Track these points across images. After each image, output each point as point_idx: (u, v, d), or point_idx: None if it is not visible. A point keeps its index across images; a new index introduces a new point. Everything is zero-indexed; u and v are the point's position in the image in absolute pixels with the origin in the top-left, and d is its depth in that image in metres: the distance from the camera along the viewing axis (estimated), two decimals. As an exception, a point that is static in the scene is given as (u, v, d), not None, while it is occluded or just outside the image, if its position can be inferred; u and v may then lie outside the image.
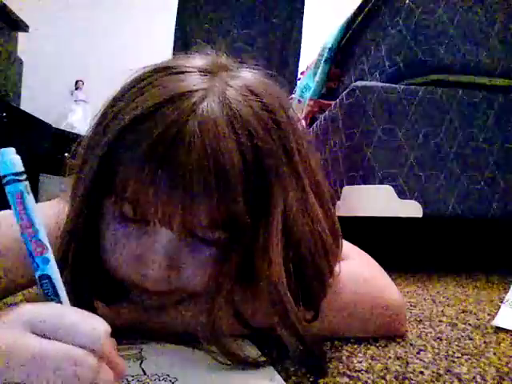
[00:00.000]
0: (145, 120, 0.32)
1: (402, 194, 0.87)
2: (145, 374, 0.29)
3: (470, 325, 0.49)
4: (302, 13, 2.17)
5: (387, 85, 0.90)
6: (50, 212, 0.37)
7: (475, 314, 0.56)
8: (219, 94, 0.33)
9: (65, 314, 0.23)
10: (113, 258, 0.35)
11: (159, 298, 0.36)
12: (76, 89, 2.77)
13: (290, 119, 0.37)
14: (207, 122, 0.31)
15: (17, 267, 0.39)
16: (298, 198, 0.34)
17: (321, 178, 0.39)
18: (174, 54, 0.38)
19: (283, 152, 0.34)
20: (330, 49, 1.28)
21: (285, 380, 0.30)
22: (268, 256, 0.32)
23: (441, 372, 0.34)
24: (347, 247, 0.46)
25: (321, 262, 0.35)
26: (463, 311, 0.57)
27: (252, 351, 0.35)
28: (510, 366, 0.36)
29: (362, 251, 0.47)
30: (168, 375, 0.29)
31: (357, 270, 0.43)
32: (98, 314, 0.24)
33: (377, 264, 0.45)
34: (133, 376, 0.29)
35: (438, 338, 0.43)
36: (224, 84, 0.34)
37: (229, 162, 0.31)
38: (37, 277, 0.23)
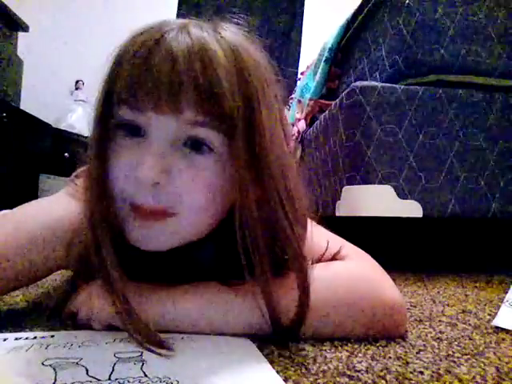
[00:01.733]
0: (131, 40, 0.36)
1: (402, 194, 0.87)
2: (146, 376, 0.29)
3: (470, 325, 0.49)
4: (302, 13, 2.17)
5: (387, 85, 0.90)
6: (61, 210, 0.41)
7: (475, 314, 0.56)
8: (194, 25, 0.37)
9: None
10: (110, 173, 0.36)
11: (154, 224, 0.36)
12: (76, 89, 2.77)
13: (257, 63, 0.38)
14: (190, 30, 0.35)
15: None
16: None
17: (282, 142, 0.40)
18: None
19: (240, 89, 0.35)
20: (330, 49, 1.28)
21: (284, 380, 0.30)
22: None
23: (441, 372, 0.34)
24: (348, 248, 0.46)
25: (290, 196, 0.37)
26: (463, 311, 0.57)
27: (251, 350, 0.35)
28: (510, 366, 0.36)
29: (361, 251, 0.47)
30: (169, 378, 0.29)
31: (357, 269, 0.43)
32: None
33: (377, 264, 0.45)
34: (134, 378, 0.29)
35: (438, 338, 0.43)
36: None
37: (213, 56, 0.34)
38: None
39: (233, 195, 0.37)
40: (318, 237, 0.45)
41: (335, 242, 0.46)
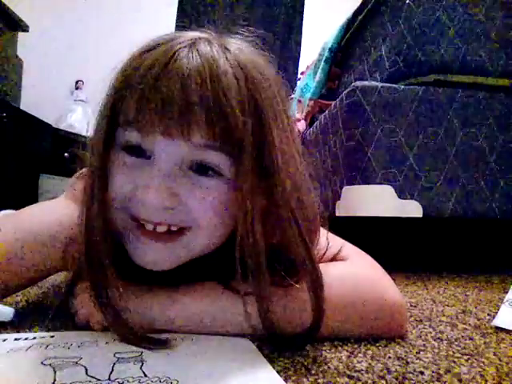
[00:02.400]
0: (139, 58, 0.35)
1: (402, 194, 0.87)
2: (145, 376, 0.29)
3: (470, 325, 0.49)
4: (302, 13, 2.17)
5: (387, 85, 0.90)
6: (61, 213, 0.41)
7: (475, 314, 0.56)
8: (205, 42, 0.36)
9: None
10: (116, 190, 0.36)
11: (158, 239, 0.36)
12: (76, 89, 2.77)
13: (265, 79, 0.37)
14: (199, 49, 0.34)
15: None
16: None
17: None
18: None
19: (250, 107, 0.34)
20: (330, 49, 1.28)
21: (284, 380, 0.30)
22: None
23: (441, 372, 0.34)
24: (348, 248, 0.46)
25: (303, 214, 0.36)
26: (463, 311, 0.57)
27: (251, 350, 0.35)
28: (510, 366, 0.36)
29: (362, 252, 0.47)
30: (169, 377, 0.29)
31: (358, 270, 0.43)
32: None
33: (378, 265, 0.45)
34: (133, 378, 0.29)
35: (438, 338, 0.43)
36: (207, 40, 0.36)
37: (223, 77, 0.33)
38: None
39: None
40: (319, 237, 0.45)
41: (335, 242, 0.46)
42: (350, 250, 0.46)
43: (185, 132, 0.33)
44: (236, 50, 0.36)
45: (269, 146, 0.35)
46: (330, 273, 0.41)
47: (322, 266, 0.42)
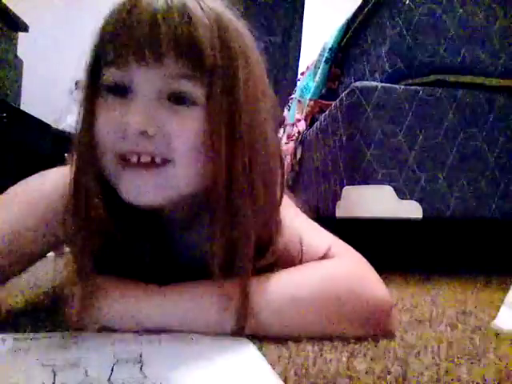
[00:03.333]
0: (114, 4, 0.38)
1: (401, 195, 0.87)
2: (146, 377, 0.29)
3: (470, 326, 0.49)
4: (302, 13, 2.17)
5: (387, 85, 0.90)
6: (54, 179, 0.43)
7: (475, 315, 0.55)
8: None
9: None
10: (98, 129, 0.38)
11: (146, 175, 0.37)
12: (76, 89, 2.77)
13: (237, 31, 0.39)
14: None
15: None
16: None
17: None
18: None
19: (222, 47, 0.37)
20: (330, 49, 1.28)
21: (284, 381, 0.30)
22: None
23: (441, 373, 0.33)
24: (337, 245, 0.46)
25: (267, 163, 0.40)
26: (463, 312, 0.57)
27: (251, 351, 0.35)
28: (510, 367, 0.36)
29: (351, 249, 0.47)
30: (169, 379, 0.29)
31: (346, 267, 0.43)
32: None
33: (366, 262, 0.45)
34: (133, 379, 0.29)
35: (437, 340, 0.43)
36: None
37: (193, 12, 0.36)
38: None
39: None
40: (309, 235, 0.45)
41: (325, 239, 0.46)
42: (338, 247, 0.46)
43: (157, 59, 0.35)
44: (209, 0, 0.39)
45: (236, 86, 0.37)
46: (315, 271, 0.42)
47: (309, 264, 0.42)
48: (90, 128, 0.38)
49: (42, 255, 0.45)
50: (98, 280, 0.39)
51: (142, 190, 0.37)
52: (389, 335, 0.43)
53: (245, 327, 0.38)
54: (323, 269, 0.42)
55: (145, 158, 0.37)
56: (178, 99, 0.37)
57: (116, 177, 0.38)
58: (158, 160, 0.37)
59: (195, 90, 0.37)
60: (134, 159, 0.37)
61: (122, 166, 0.37)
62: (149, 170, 0.37)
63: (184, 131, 0.37)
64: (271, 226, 0.42)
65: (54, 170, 0.48)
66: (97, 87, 0.39)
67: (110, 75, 0.38)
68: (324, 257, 0.44)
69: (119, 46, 0.36)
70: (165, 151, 0.37)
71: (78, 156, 0.40)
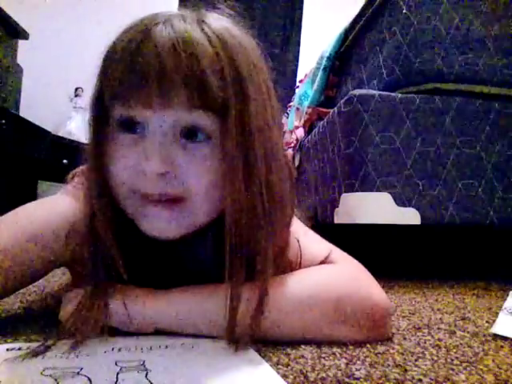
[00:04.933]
0: (119, 39, 0.38)
1: (399, 202, 0.87)
2: (152, 384, 0.29)
3: (468, 332, 0.49)
4: (300, 22, 2.19)
5: (384, 93, 0.91)
6: (59, 207, 0.43)
7: (474, 321, 0.56)
8: (180, 18, 0.38)
9: None
10: (114, 169, 0.38)
11: (166, 213, 0.38)
12: (75, 96, 2.78)
13: (243, 47, 0.39)
14: (173, 24, 0.36)
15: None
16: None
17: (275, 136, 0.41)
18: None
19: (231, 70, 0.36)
20: (328, 57, 1.29)
21: (284, 387, 0.30)
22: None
23: (439, 379, 0.34)
24: (335, 253, 0.46)
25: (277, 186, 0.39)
26: (462, 319, 0.57)
27: (251, 355, 0.35)
28: (508, 373, 0.36)
29: (350, 257, 0.47)
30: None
31: (345, 272, 0.44)
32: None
33: (365, 269, 0.46)
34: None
35: (436, 346, 0.43)
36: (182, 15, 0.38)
37: (197, 45, 0.35)
38: None
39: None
40: (308, 242, 0.45)
41: (324, 247, 0.47)
42: (337, 254, 0.46)
43: (166, 103, 0.36)
44: (212, 21, 0.38)
45: (248, 106, 0.37)
46: (315, 275, 0.42)
47: (308, 269, 0.43)
48: (101, 163, 0.39)
49: (37, 278, 0.45)
50: (103, 284, 0.39)
51: (164, 226, 0.38)
52: (386, 340, 0.43)
53: (253, 333, 0.37)
54: (323, 273, 0.43)
55: (164, 197, 0.38)
56: (191, 135, 0.38)
57: (136, 212, 0.39)
58: (177, 198, 0.38)
59: (208, 123, 0.37)
60: (155, 197, 0.38)
61: (142, 204, 0.38)
62: (169, 208, 0.38)
63: (200, 170, 0.37)
64: (283, 241, 0.42)
65: (56, 197, 0.47)
66: (104, 120, 0.39)
67: (117, 111, 0.38)
68: (322, 263, 0.45)
69: (126, 87, 0.36)
70: (182, 190, 0.38)
71: (90, 190, 0.40)
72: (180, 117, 0.37)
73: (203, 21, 0.38)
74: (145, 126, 0.37)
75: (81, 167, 0.50)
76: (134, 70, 0.35)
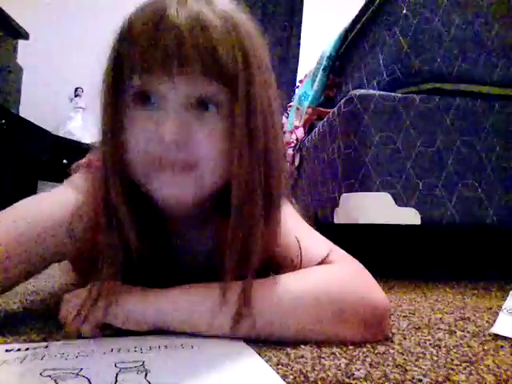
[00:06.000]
0: (134, 18, 0.40)
1: (399, 202, 0.87)
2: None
3: (468, 332, 0.49)
4: (300, 22, 2.20)
5: (384, 93, 0.91)
6: (61, 198, 0.45)
7: (474, 321, 0.56)
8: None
9: None
10: (131, 138, 0.40)
11: (180, 178, 0.40)
12: (75, 96, 2.78)
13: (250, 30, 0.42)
14: (188, 3, 0.39)
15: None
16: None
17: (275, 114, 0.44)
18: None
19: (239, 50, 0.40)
20: (328, 57, 1.29)
21: (283, 388, 0.30)
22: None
23: (439, 379, 0.33)
24: (335, 252, 0.46)
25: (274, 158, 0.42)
26: (462, 319, 0.57)
27: (251, 356, 0.35)
28: (508, 373, 0.36)
29: (349, 256, 0.47)
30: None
31: (344, 271, 0.44)
32: None
33: (365, 269, 0.46)
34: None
35: (436, 346, 0.43)
36: None
37: (211, 23, 0.38)
38: None
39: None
40: (308, 242, 0.46)
41: (324, 247, 0.47)
42: (336, 254, 0.46)
43: (183, 72, 0.38)
44: (219, 2, 0.41)
45: (253, 83, 0.40)
46: (314, 275, 0.42)
47: (306, 270, 0.43)
48: (116, 135, 0.41)
49: (40, 271, 0.46)
50: (103, 283, 0.40)
51: (176, 191, 0.41)
52: (386, 339, 0.43)
53: (241, 328, 0.38)
54: (322, 273, 0.43)
55: (178, 163, 0.40)
56: (203, 105, 0.40)
57: (149, 180, 0.41)
58: (190, 164, 0.40)
59: (219, 95, 0.40)
60: (170, 164, 0.40)
61: (156, 169, 0.40)
62: (181, 174, 0.40)
63: (211, 139, 0.40)
64: (274, 227, 0.43)
65: (58, 189, 0.48)
66: (119, 94, 0.41)
67: (136, 83, 0.40)
68: (322, 263, 0.45)
69: (148, 59, 0.38)
70: (194, 157, 0.40)
71: (104, 163, 0.41)
72: (195, 88, 0.39)
73: (213, 3, 0.41)
74: (161, 97, 0.40)
75: (85, 158, 0.52)
76: (156, 45, 0.38)
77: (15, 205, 0.45)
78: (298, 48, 2.18)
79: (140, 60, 0.38)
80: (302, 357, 0.37)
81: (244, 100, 0.40)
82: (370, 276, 0.45)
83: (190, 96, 0.40)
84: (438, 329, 0.51)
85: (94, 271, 0.40)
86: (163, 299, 0.40)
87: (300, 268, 0.44)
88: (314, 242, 0.47)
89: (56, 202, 0.45)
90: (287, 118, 1.57)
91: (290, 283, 0.41)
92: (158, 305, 0.39)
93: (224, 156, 0.41)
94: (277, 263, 0.43)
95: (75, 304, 0.40)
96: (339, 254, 0.47)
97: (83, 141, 2.37)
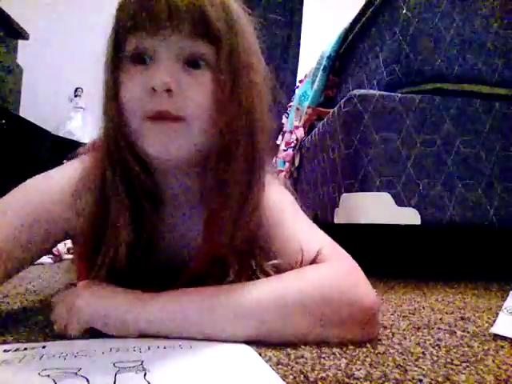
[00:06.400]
0: None
1: (400, 202, 0.87)
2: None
3: (468, 332, 0.49)
4: (300, 22, 2.19)
5: (385, 93, 0.91)
6: (58, 176, 0.48)
7: (474, 321, 0.56)
8: None
9: None
10: (126, 92, 0.42)
11: (169, 131, 0.42)
12: (75, 96, 2.79)
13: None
14: None
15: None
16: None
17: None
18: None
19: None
20: (328, 57, 1.29)
21: (283, 388, 0.30)
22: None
23: (439, 380, 0.33)
24: (327, 247, 0.46)
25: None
26: (462, 318, 0.57)
27: (252, 356, 0.35)
28: (508, 373, 0.36)
29: (342, 251, 0.47)
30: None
31: (334, 271, 0.43)
32: None
33: (356, 265, 0.45)
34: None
35: (436, 346, 0.43)
36: None
37: None
38: None
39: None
40: (302, 238, 0.46)
41: (318, 241, 0.46)
42: (329, 250, 0.46)
43: (174, 29, 0.41)
44: None
45: (236, 43, 0.43)
46: (303, 276, 0.42)
47: (295, 272, 0.43)
48: (115, 95, 0.43)
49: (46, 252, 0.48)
50: (98, 285, 0.40)
51: (166, 142, 0.42)
52: (373, 339, 0.43)
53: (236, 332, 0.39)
54: (310, 274, 0.43)
55: (168, 114, 0.42)
56: (193, 63, 0.43)
57: (143, 135, 0.43)
58: (180, 116, 0.42)
59: (208, 52, 0.43)
60: (161, 114, 0.42)
61: (150, 121, 0.42)
62: (170, 126, 0.42)
63: (200, 94, 0.42)
64: (256, 188, 0.45)
65: (62, 166, 0.52)
66: (119, 58, 0.44)
67: (131, 44, 0.43)
68: (315, 259, 0.45)
69: (139, 17, 0.41)
70: (184, 110, 0.42)
71: (106, 122, 0.45)
72: (185, 44, 0.42)
73: None
74: (154, 55, 0.42)
75: (80, 148, 0.56)
76: (147, 5, 0.41)
77: (15, 189, 0.48)
78: (298, 48, 2.17)
79: (132, 20, 0.41)
80: (302, 357, 0.37)
81: (228, 57, 0.42)
82: (361, 273, 0.44)
83: (180, 54, 0.42)
84: (438, 329, 0.51)
85: (94, 261, 0.42)
86: (154, 307, 0.39)
87: (296, 265, 0.44)
88: (307, 238, 0.47)
89: (58, 178, 0.48)
90: (287, 117, 1.57)
91: (279, 284, 0.41)
92: (149, 314, 0.39)
93: (212, 112, 0.43)
94: (261, 248, 0.46)
95: (64, 306, 0.40)
96: (332, 249, 0.47)
97: (83, 141, 2.37)
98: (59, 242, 0.49)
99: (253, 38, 0.47)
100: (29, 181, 0.48)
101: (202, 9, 0.41)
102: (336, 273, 0.43)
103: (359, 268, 0.45)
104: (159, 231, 0.48)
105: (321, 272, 0.43)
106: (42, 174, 0.50)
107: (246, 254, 0.45)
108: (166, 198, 0.49)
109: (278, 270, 0.45)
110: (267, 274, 0.44)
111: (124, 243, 0.42)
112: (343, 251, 0.47)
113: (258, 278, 0.44)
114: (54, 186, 0.46)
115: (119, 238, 0.42)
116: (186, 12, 0.41)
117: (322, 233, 0.49)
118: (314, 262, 0.44)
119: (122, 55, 0.43)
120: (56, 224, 0.45)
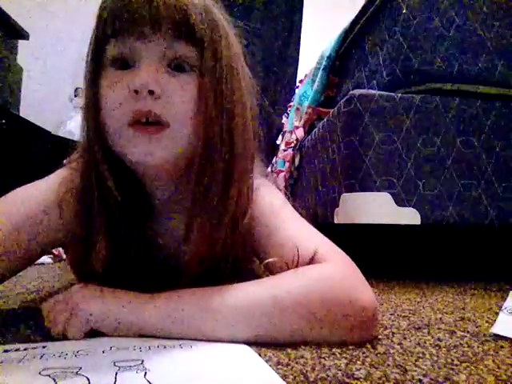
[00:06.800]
0: None
1: (399, 202, 0.87)
2: (151, 384, 0.29)
3: (468, 332, 0.49)
4: (300, 21, 2.19)
5: (384, 93, 0.91)
6: (47, 183, 0.48)
7: (474, 321, 0.56)
8: None
9: None
10: (108, 97, 0.42)
11: (152, 138, 0.41)
12: (75, 96, 2.78)
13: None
14: None
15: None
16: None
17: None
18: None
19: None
20: (328, 57, 1.29)
21: (283, 388, 0.30)
22: None
23: (439, 379, 0.33)
24: (323, 247, 0.46)
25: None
26: (462, 319, 0.57)
27: (251, 356, 0.35)
28: (508, 373, 0.36)
29: (339, 251, 0.47)
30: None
31: (331, 272, 0.43)
32: None
33: (353, 265, 0.45)
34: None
35: (436, 346, 0.43)
36: None
37: None
38: None
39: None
40: (299, 238, 0.46)
41: (314, 242, 0.46)
42: (327, 250, 0.45)
43: (156, 33, 0.41)
44: None
45: (219, 52, 0.43)
46: (300, 277, 0.42)
47: (291, 273, 0.43)
48: (96, 99, 0.43)
49: (35, 260, 0.47)
50: (93, 287, 0.40)
51: (149, 148, 0.42)
52: (372, 339, 0.43)
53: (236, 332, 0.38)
54: (307, 275, 0.42)
55: (152, 118, 0.41)
56: (177, 66, 0.43)
57: (125, 141, 0.42)
58: (163, 121, 0.42)
59: (191, 56, 0.43)
60: (143, 120, 0.41)
61: (133, 129, 0.41)
62: (153, 131, 0.41)
63: (183, 98, 0.42)
64: (235, 192, 0.45)
65: (51, 175, 0.52)
66: (101, 62, 0.43)
67: (113, 49, 0.42)
68: (311, 260, 0.44)
69: (120, 21, 0.41)
70: (166, 114, 0.41)
71: (87, 128, 0.44)
72: (168, 46, 0.42)
73: None
74: (137, 59, 0.42)
75: (72, 156, 0.55)
76: (128, 7, 0.40)
77: (11, 193, 0.48)
78: (298, 48, 2.17)
79: (113, 23, 0.41)
80: (302, 357, 0.37)
81: (211, 60, 0.43)
82: (359, 274, 0.44)
83: (163, 56, 0.42)
84: (438, 329, 0.51)
85: (84, 263, 0.43)
86: (154, 307, 0.39)
87: (292, 266, 0.44)
88: (304, 239, 0.47)
89: (45, 187, 0.48)
90: (287, 118, 1.57)
91: (275, 285, 0.41)
92: (149, 314, 0.39)
93: (194, 116, 0.42)
94: (256, 250, 0.46)
95: (55, 310, 0.40)
96: (329, 249, 0.46)
97: (83, 141, 2.37)
98: (46, 253, 0.49)
99: (235, 43, 0.47)
100: (16, 190, 0.48)
101: (184, 11, 0.41)
102: (334, 273, 0.43)
103: (356, 267, 0.45)
104: (151, 235, 0.48)
105: (319, 272, 0.43)
106: (30, 184, 0.50)
107: (239, 256, 0.45)
108: (154, 203, 0.49)
109: (275, 270, 0.45)
110: (264, 275, 0.44)
111: (100, 253, 0.42)
112: (338, 249, 0.47)
113: (256, 278, 0.44)
114: (40, 196, 0.46)
115: (96, 247, 0.42)
116: (169, 14, 0.41)
117: (316, 231, 0.49)
118: (311, 261, 0.44)
119: (104, 60, 0.43)
120: (41, 233, 0.45)
